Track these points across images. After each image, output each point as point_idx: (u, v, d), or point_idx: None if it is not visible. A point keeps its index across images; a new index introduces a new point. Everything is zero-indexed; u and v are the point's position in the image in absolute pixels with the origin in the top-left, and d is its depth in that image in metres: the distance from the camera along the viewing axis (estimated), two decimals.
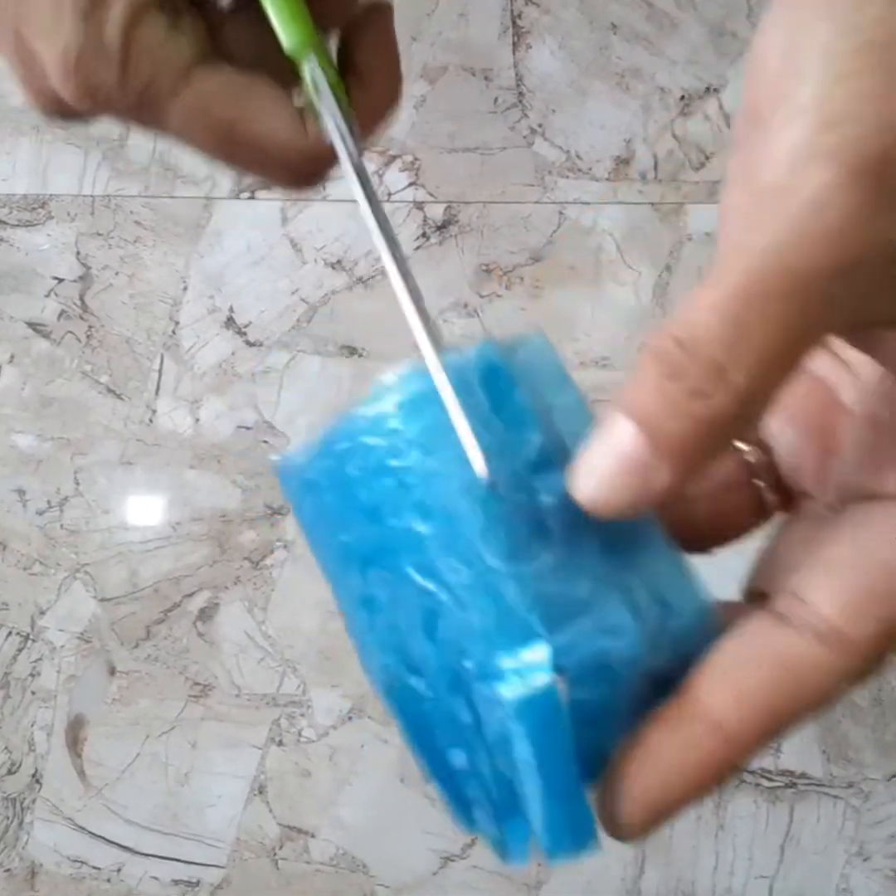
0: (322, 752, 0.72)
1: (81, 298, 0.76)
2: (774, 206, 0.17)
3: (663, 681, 0.20)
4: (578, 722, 0.18)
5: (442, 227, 0.76)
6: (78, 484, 0.74)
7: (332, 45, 0.26)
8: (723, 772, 0.19)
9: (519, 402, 0.20)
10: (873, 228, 0.16)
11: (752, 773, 0.71)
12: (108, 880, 0.71)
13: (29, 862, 0.72)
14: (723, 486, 0.24)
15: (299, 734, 0.72)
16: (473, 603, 0.18)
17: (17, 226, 0.77)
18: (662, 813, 0.19)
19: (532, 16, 0.78)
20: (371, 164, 0.76)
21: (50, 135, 0.78)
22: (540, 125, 0.77)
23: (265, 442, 0.74)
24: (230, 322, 0.75)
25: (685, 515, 0.23)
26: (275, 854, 0.71)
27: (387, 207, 0.75)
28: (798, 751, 0.71)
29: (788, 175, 0.17)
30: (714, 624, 0.20)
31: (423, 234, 0.76)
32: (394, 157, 0.77)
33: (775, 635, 0.19)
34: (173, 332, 0.75)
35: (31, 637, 0.73)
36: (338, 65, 0.26)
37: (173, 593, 0.73)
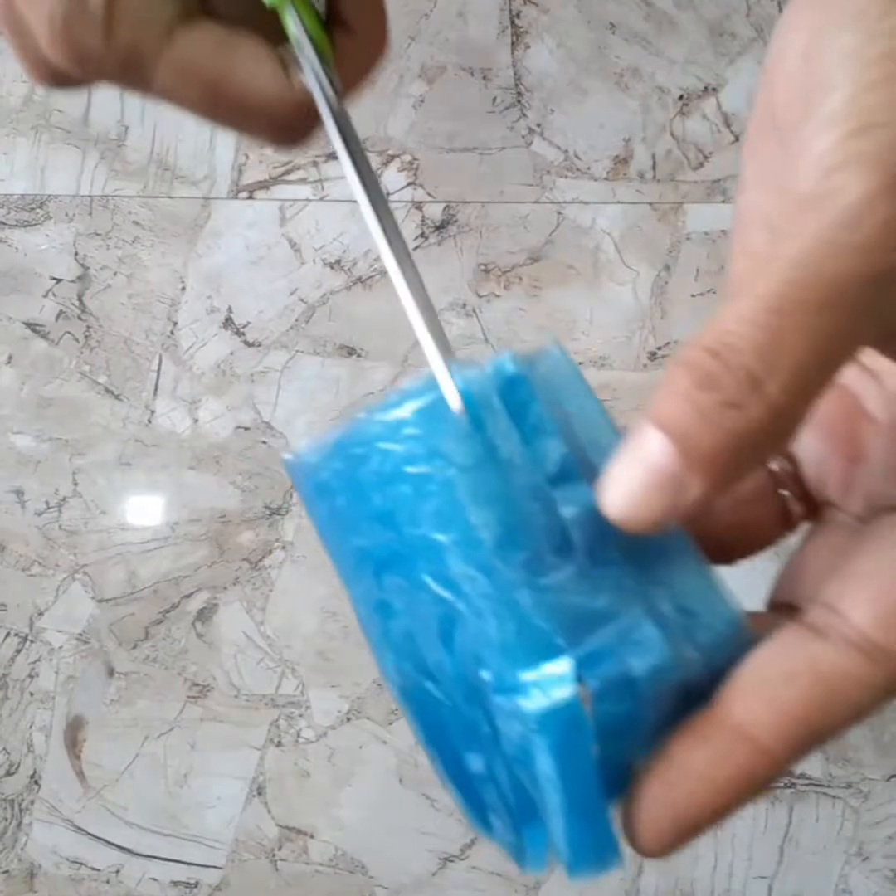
0: (321, 752, 0.72)
1: (80, 299, 0.76)
2: (807, 215, 0.16)
3: (693, 694, 0.19)
4: (602, 736, 0.18)
5: (440, 227, 0.76)
6: (76, 484, 0.74)
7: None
8: (755, 787, 0.18)
9: (539, 413, 0.20)
10: None
11: None
12: (107, 881, 0.71)
13: (28, 863, 0.72)
14: (748, 497, 0.23)
15: (298, 735, 0.72)
16: (492, 614, 0.18)
17: (16, 226, 0.77)
18: (690, 829, 0.18)
19: (530, 15, 0.78)
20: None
21: (48, 135, 0.78)
22: (538, 125, 0.77)
23: (264, 442, 0.74)
24: (228, 322, 0.75)
25: (709, 526, 0.22)
26: (274, 855, 0.71)
27: None
28: None
29: (820, 183, 0.16)
30: (745, 636, 0.20)
31: (422, 234, 0.76)
32: (392, 157, 0.77)
33: (810, 647, 0.18)
34: (172, 333, 0.75)
35: (29, 638, 0.73)
36: (325, 16, 0.26)
37: (172, 594, 0.73)
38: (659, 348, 0.74)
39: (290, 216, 0.76)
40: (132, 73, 0.24)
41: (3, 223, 0.77)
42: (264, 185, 0.77)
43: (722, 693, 0.19)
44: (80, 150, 0.77)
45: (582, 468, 0.19)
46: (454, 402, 0.19)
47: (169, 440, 0.74)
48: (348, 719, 0.72)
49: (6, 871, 0.72)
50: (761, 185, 0.19)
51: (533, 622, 0.18)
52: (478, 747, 0.20)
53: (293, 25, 0.24)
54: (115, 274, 0.76)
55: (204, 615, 0.73)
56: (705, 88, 0.77)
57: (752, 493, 0.24)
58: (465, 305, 0.74)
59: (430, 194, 0.76)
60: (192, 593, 0.73)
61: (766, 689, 0.18)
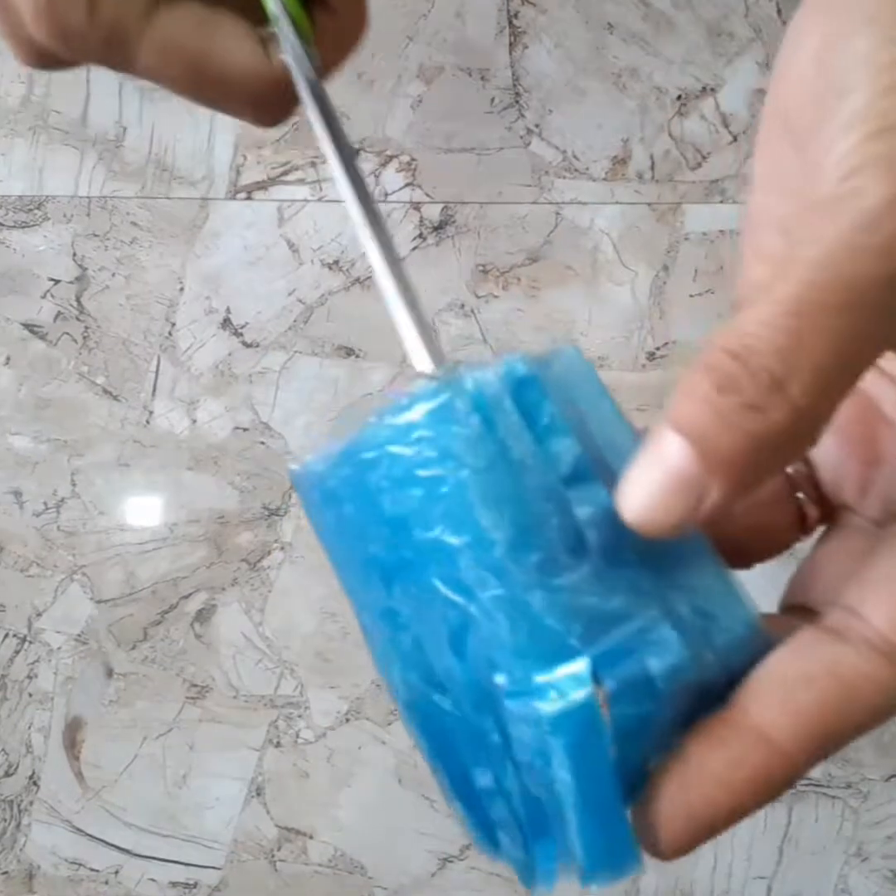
0: (320, 753, 0.72)
1: (78, 300, 0.76)
2: (825, 218, 0.16)
3: (709, 696, 0.19)
4: (618, 738, 0.18)
5: (439, 228, 0.76)
6: (75, 485, 0.74)
7: None
8: (771, 789, 0.18)
9: (551, 413, 0.19)
10: None
11: None
12: (106, 882, 0.71)
13: (27, 864, 0.72)
14: (764, 500, 0.23)
15: (297, 735, 0.72)
16: (505, 616, 0.18)
17: (14, 227, 0.77)
18: (705, 831, 0.18)
19: (528, 16, 0.78)
20: (367, 165, 0.76)
21: (45, 135, 0.78)
22: (537, 125, 0.77)
23: (262, 443, 0.74)
24: (227, 323, 0.75)
25: (725, 529, 0.22)
26: (273, 855, 0.71)
27: (384, 208, 0.75)
28: None
29: (839, 186, 0.16)
30: (761, 639, 0.20)
31: (420, 235, 0.76)
32: (390, 158, 0.77)
33: (829, 650, 0.18)
34: (170, 334, 0.75)
35: (27, 639, 0.73)
36: None
37: (170, 595, 0.73)
38: (657, 348, 0.74)
39: (288, 217, 0.76)
40: (115, 51, 0.24)
41: (1, 224, 0.77)
42: (262, 185, 0.77)
43: (739, 695, 0.19)
44: (77, 150, 0.77)
45: (597, 468, 0.19)
46: (424, 364, 0.19)
47: (167, 441, 0.74)
48: (347, 720, 0.72)
49: (5, 872, 0.72)
50: (774, 188, 0.19)
51: (547, 623, 0.18)
52: (486, 760, 0.19)
53: (272, 3, 0.24)
54: (114, 275, 0.76)
55: (202, 616, 0.73)
56: (703, 89, 0.77)
57: (769, 496, 0.23)
58: (463, 306, 0.74)
59: (428, 195, 0.76)
60: (190, 594, 0.73)
61: (784, 690, 0.18)
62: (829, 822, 0.70)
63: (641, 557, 0.19)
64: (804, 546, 0.24)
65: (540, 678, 0.18)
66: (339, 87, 0.78)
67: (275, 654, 0.72)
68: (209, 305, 0.76)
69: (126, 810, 0.72)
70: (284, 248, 0.76)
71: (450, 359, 0.21)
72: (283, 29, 0.24)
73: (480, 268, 0.75)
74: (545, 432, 0.19)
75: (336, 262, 0.75)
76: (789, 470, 0.23)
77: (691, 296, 0.74)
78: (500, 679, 0.18)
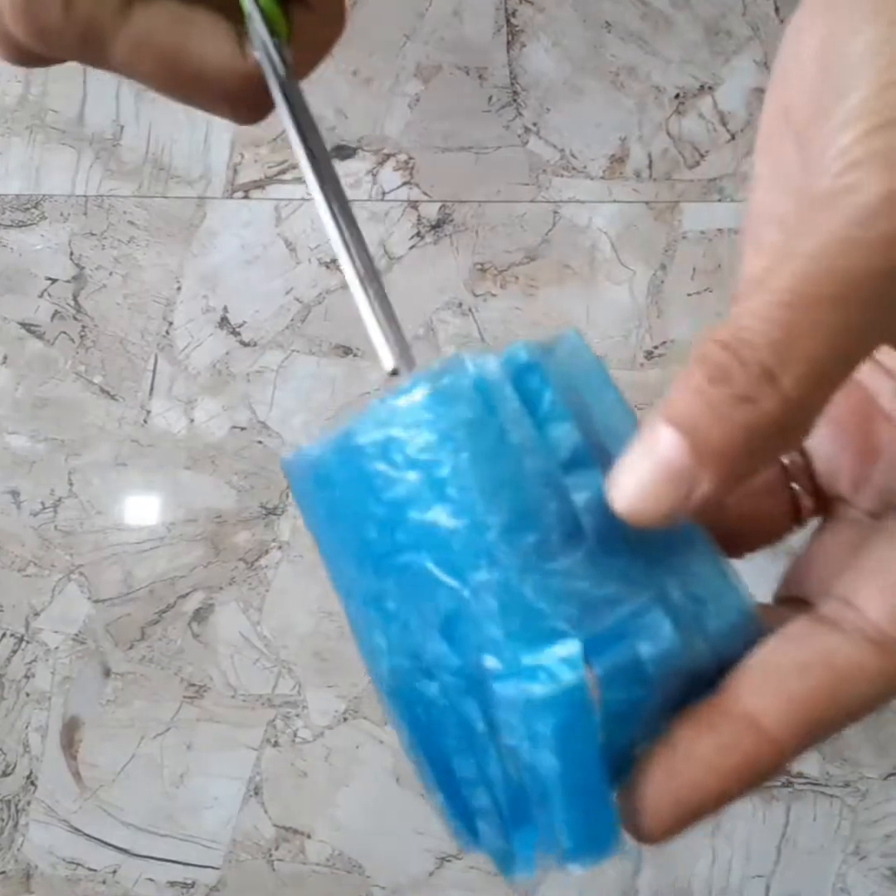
0: (318, 752, 0.71)
1: (75, 299, 0.76)
2: (824, 210, 0.16)
3: (699, 682, 0.19)
4: (607, 721, 0.18)
5: (436, 227, 0.76)
6: (72, 485, 0.74)
7: None
8: (759, 776, 0.18)
9: (552, 400, 0.20)
10: None
11: None
12: (104, 882, 0.71)
13: (24, 864, 0.72)
14: (758, 489, 0.23)
15: (295, 735, 0.72)
16: (497, 599, 0.18)
17: (11, 226, 0.77)
18: (691, 816, 0.18)
19: (526, 14, 0.78)
20: (365, 164, 0.76)
21: (43, 135, 0.77)
22: (534, 124, 0.77)
23: (259, 442, 0.74)
24: (224, 322, 0.75)
25: (719, 517, 0.22)
26: (271, 855, 0.71)
27: (382, 207, 0.75)
28: None
29: (837, 180, 0.16)
30: (755, 627, 0.20)
31: (418, 234, 0.75)
32: (388, 157, 0.76)
33: (823, 639, 0.18)
34: (167, 333, 0.75)
35: (25, 639, 0.73)
36: None
37: (168, 594, 0.73)
38: (655, 347, 0.74)
39: (285, 216, 0.76)
40: (91, 47, 0.25)
41: None
42: (259, 184, 0.77)
43: (730, 681, 0.19)
44: (75, 149, 0.77)
45: (597, 455, 0.19)
46: (387, 358, 0.19)
47: (164, 440, 0.74)
48: (345, 719, 0.72)
49: (3, 872, 0.72)
50: (775, 184, 0.19)
51: (539, 607, 0.18)
52: (469, 748, 0.19)
53: (245, 0, 0.25)
54: (111, 274, 0.76)
55: (200, 615, 0.72)
56: (701, 87, 0.77)
57: (764, 486, 0.23)
58: (461, 305, 0.74)
59: (425, 193, 0.76)
60: (188, 593, 0.73)
61: (777, 678, 0.18)
62: (828, 821, 0.70)
63: (637, 544, 0.19)
64: (799, 540, 0.24)
65: (530, 660, 0.18)
66: (336, 86, 0.78)
67: (272, 653, 0.72)
68: (206, 304, 0.75)
69: (124, 810, 0.72)
70: (282, 247, 0.76)
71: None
72: (255, 26, 0.24)
73: (478, 266, 0.75)
74: (545, 418, 0.19)
75: (334, 260, 0.75)
76: (785, 461, 0.24)
77: (689, 294, 0.74)
78: (490, 661, 0.18)
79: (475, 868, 0.70)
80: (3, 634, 0.73)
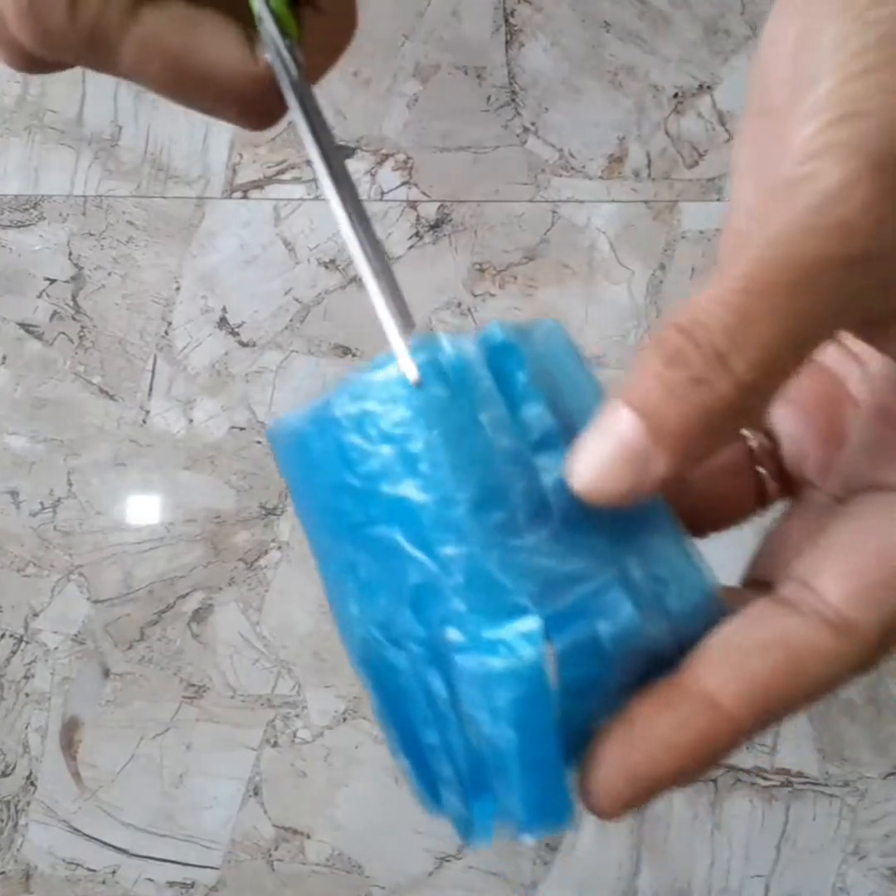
0: (317, 752, 0.71)
1: (74, 299, 0.76)
2: (783, 198, 0.17)
3: (660, 662, 0.19)
4: (565, 696, 0.18)
5: (435, 227, 0.75)
6: (71, 485, 0.74)
7: None
8: (715, 754, 0.18)
9: (526, 381, 0.20)
10: (888, 222, 0.16)
11: (747, 772, 0.71)
12: (104, 882, 0.71)
13: (24, 864, 0.72)
14: (723, 470, 0.24)
15: (294, 735, 0.72)
16: (463, 574, 0.18)
17: (9, 226, 0.77)
18: (646, 792, 0.19)
19: (524, 14, 0.78)
20: (363, 164, 0.76)
21: (41, 135, 0.77)
22: (533, 123, 0.77)
23: (259, 442, 0.74)
24: (223, 322, 0.75)
25: (683, 498, 0.23)
26: (270, 855, 0.71)
27: (380, 207, 0.75)
28: (794, 749, 0.71)
29: (800, 167, 0.17)
30: (717, 608, 0.20)
31: (416, 234, 0.75)
32: (386, 157, 0.76)
33: (781, 620, 0.19)
34: (166, 333, 0.75)
35: (24, 639, 0.73)
36: None
37: (167, 595, 0.73)
38: None
39: (284, 216, 0.76)
40: (97, 51, 0.24)
41: None
42: (258, 184, 0.77)
43: (690, 660, 0.19)
44: (73, 149, 0.77)
45: (568, 437, 0.20)
46: (409, 369, 0.19)
47: (164, 440, 0.74)
48: (344, 719, 0.71)
49: (2, 873, 0.72)
50: (749, 176, 0.20)
51: (502, 582, 0.18)
52: (434, 717, 0.20)
53: (256, 2, 0.24)
54: (110, 274, 0.76)
55: (199, 616, 0.72)
56: (700, 86, 0.77)
57: (729, 467, 0.24)
58: (460, 305, 0.74)
59: (424, 193, 0.76)
60: (187, 594, 0.73)
61: (735, 658, 0.19)
62: (827, 821, 0.70)
63: (602, 524, 0.19)
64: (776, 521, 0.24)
65: (492, 635, 0.18)
66: (334, 86, 0.78)
67: (272, 653, 0.72)
68: (205, 305, 0.75)
69: (123, 810, 0.72)
70: (281, 247, 0.76)
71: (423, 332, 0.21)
72: (267, 29, 0.24)
73: (477, 266, 0.75)
74: (518, 399, 0.20)
75: (332, 260, 0.75)
76: (752, 444, 0.24)
77: (688, 294, 0.74)
78: (453, 634, 0.19)
79: (474, 868, 0.70)
80: (3, 635, 0.73)
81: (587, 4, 0.78)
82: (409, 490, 0.19)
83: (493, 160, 0.76)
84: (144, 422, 0.74)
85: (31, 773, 0.72)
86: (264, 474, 0.73)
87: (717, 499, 0.24)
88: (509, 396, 0.20)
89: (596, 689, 0.19)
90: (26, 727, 0.72)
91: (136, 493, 0.74)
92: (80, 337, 0.75)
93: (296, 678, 0.72)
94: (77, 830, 0.72)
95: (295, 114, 0.24)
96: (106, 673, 0.72)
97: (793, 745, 0.70)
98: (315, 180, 0.76)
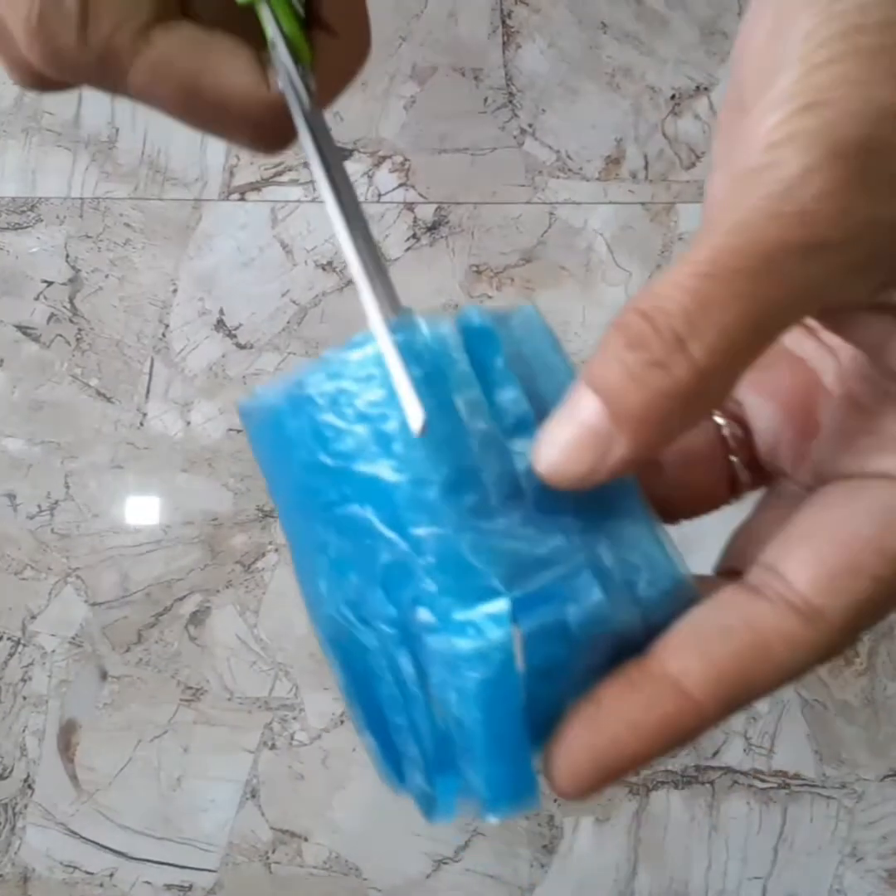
0: (315, 755, 0.71)
1: (71, 301, 0.76)
2: (747, 186, 0.17)
3: (628, 646, 0.19)
4: (531, 679, 0.18)
5: (432, 228, 0.75)
6: (68, 488, 0.74)
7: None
8: (678, 737, 0.18)
9: (502, 364, 0.20)
10: (849, 210, 0.16)
11: (744, 774, 0.71)
12: (101, 885, 0.71)
13: (21, 867, 0.72)
14: (696, 457, 0.24)
15: (292, 738, 0.72)
16: (434, 555, 0.18)
17: (6, 229, 0.77)
18: (609, 772, 0.19)
19: (522, 15, 0.78)
20: (361, 165, 0.76)
21: (38, 137, 0.77)
22: (530, 125, 0.77)
23: None
24: (220, 324, 0.75)
25: (655, 483, 0.23)
26: (268, 858, 0.71)
27: (377, 208, 0.75)
28: (791, 751, 0.71)
29: (764, 155, 0.17)
30: (686, 594, 0.20)
31: (414, 236, 0.75)
32: (384, 158, 0.76)
33: (748, 605, 0.19)
34: (163, 335, 0.75)
35: (22, 642, 0.73)
36: (305, 17, 0.25)
37: (164, 597, 0.73)
38: None
39: (281, 218, 0.76)
40: (108, 73, 0.24)
41: None
42: (255, 186, 0.76)
43: (657, 644, 0.19)
44: (70, 152, 0.77)
45: (542, 422, 0.20)
46: (415, 417, 0.19)
47: (161, 443, 0.74)
48: (342, 722, 0.71)
49: (0, 876, 0.72)
50: (722, 166, 0.20)
51: (473, 564, 0.18)
52: (402, 696, 0.20)
53: (269, 26, 0.24)
54: (107, 276, 0.76)
55: (197, 618, 0.72)
56: (697, 88, 0.77)
57: (703, 456, 0.24)
58: (457, 307, 0.74)
59: (421, 195, 0.76)
60: (184, 596, 0.73)
61: (701, 642, 0.19)
62: (824, 823, 0.70)
63: (574, 509, 0.20)
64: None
65: (461, 616, 0.18)
66: None
67: (269, 656, 0.72)
68: (202, 307, 0.75)
69: (121, 813, 0.72)
70: (278, 250, 0.76)
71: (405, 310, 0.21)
72: (279, 54, 0.24)
73: (474, 268, 0.75)
74: (494, 383, 0.20)
75: (330, 263, 0.75)
76: (726, 433, 0.24)
77: None
78: (423, 614, 0.19)
79: (472, 871, 0.70)
80: (0, 638, 0.73)
81: (584, 6, 0.78)
82: (383, 470, 0.19)
83: (491, 162, 0.76)
84: (142, 424, 0.74)
85: (28, 775, 0.72)
86: (261, 477, 0.73)
87: (690, 486, 0.24)
88: (485, 380, 0.20)
89: (563, 672, 0.19)
90: (23, 730, 0.72)
91: (133, 496, 0.74)
92: (78, 339, 0.75)
93: (293, 680, 0.72)
94: (74, 833, 0.72)
95: (306, 145, 0.23)
96: (103, 676, 0.72)
97: (790, 747, 0.70)
98: (313, 182, 0.76)
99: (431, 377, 0.19)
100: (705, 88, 0.77)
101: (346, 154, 0.76)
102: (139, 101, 0.25)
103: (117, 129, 0.77)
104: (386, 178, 0.76)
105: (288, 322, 0.75)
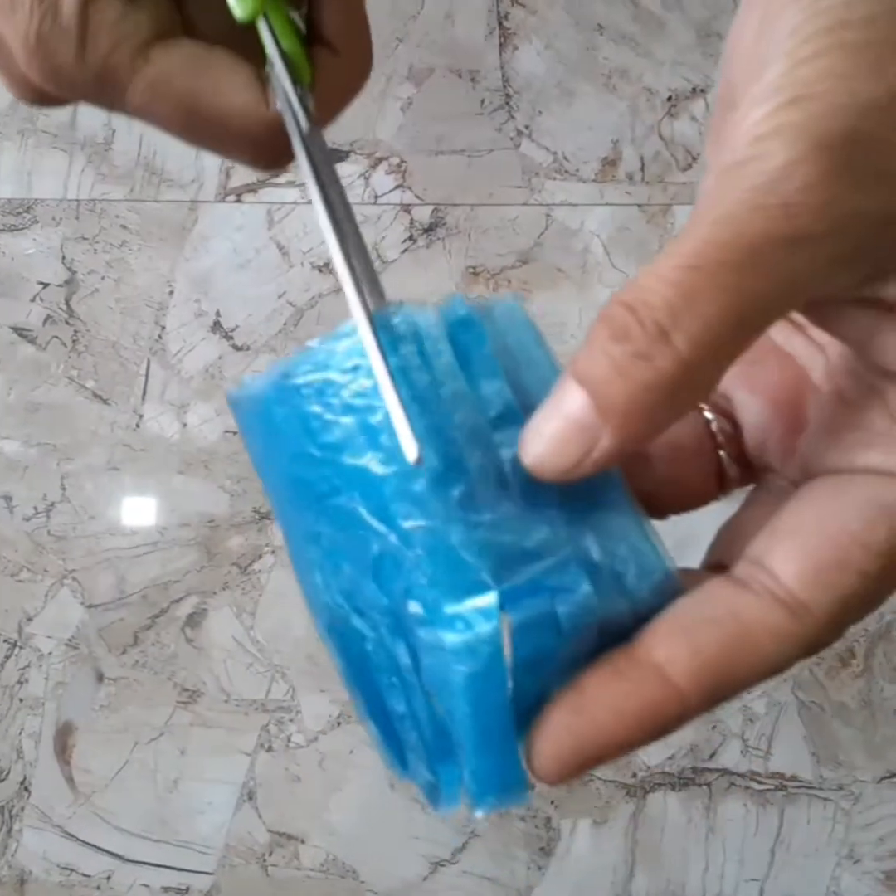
0: (311, 757, 0.71)
1: (67, 303, 0.76)
2: (733, 178, 0.17)
3: (617, 639, 0.19)
4: (519, 672, 0.18)
5: (429, 230, 0.75)
6: (64, 490, 0.74)
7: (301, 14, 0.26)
8: (661, 725, 0.18)
9: (486, 356, 0.20)
10: (833, 202, 0.16)
11: (741, 776, 0.71)
12: (98, 888, 0.71)
13: (18, 870, 0.72)
14: (685, 452, 0.24)
15: (288, 740, 0.72)
16: (422, 547, 0.18)
17: (3, 230, 0.76)
18: (590, 759, 0.19)
19: (518, 17, 0.78)
20: (357, 167, 0.76)
21: (34, 139, 0.77)
22: (527, 127, 0.77)
23: None
24: (217, 326, 0.75)
25: (643, 477, 0.23)
26: (264, 860, 0.71)
27: (374, 210, 0.75)
28: (788, 753, 0.71)
29: (749, 148, 0.17)
30: (673, 587, 0.20)
31: (410, 237, 0.75)
32: (380, 160, 0.76)
33: (734, 598, 0.19)
34: (160, 337, 0.75)
35: (18, 644, 0.73)
36: (306, 35, 0.25)
37: (161, 599, 0.73)
38: None
39: (277, 219, 0.76)
40: (107, 90, 0.24)
41: None
42: (252, 188, 0.76)
43: (642, 634, 0.19)
44: (66, 153, 0.77)
45: (527, 413, 0.20)
46: (409, 448, 0.19)
47: (157, 445, 0.74)
48: (339, 724, 0.71)
49: None
50: (711, 163, 0.20)
51: (462, 557, 0.18)
52: (400, 685, 0.20)
53: (268, 45, 0.24)
54: (103, 278, 0.76)
55: (193, 620, 0.72)
56: (693, 89, 0.77)
57: (691, 451, 0.24)
58: None
59: (418, 197, 0.76)
60: (181, 598, 0.73)
61: (686, 632, 0.19)
62: (821, 825, 0.70)
63: (561, 501, 0.20)
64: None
65: (450, 609, 0.18)
66: None
67: (266, 658, 0.72)
68: (199, 308, 0.75)
69: (117, 815, 0.72)
70: (274, 251, 0.76)
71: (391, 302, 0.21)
72: (277, 74, 0.24)
73: (471, 270, 0.75)
74: (478, 374, 0.20)
75: (326, 264, 0.75)
76: (714, 427, 0.24)
77: None
78: (414, 607, 0.19)
79: (469, 873, 0.70)
80: None
81: (581, 7, 0.78)
82: (371, 462, 0.19)
83: (487, 163, 0.76)
84: (138, 426, 0.74)
85: (24, 778, 0.72)
86: (258, 479, 0.73)
87: (679, 481, 0.24)
88: (470, 371, 0.20)
89: (551, 665, 0.19)
90: (20, 732, 0.72)
91: (129, 498, 0.74)
92: (74, 341, 0.75)
93: (290, 682, 0.72)
94: (71, 836, 0.72)
95: (303, 168, 0.23)
96: (100, 678, 0.72)
97: (787, 748, 0.70)
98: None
99: (417, 367, 0.19)
100: (701, 90, 0.77)
101: (343, 156, 0.76)
102: (138, 119, 0.25)
103: (113, 130, 0.77)
104: (382, 179, 0.76)
105: (284, 324, 0.75)
